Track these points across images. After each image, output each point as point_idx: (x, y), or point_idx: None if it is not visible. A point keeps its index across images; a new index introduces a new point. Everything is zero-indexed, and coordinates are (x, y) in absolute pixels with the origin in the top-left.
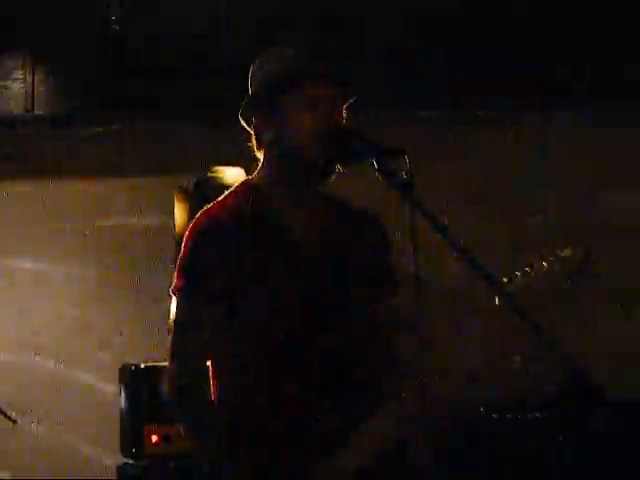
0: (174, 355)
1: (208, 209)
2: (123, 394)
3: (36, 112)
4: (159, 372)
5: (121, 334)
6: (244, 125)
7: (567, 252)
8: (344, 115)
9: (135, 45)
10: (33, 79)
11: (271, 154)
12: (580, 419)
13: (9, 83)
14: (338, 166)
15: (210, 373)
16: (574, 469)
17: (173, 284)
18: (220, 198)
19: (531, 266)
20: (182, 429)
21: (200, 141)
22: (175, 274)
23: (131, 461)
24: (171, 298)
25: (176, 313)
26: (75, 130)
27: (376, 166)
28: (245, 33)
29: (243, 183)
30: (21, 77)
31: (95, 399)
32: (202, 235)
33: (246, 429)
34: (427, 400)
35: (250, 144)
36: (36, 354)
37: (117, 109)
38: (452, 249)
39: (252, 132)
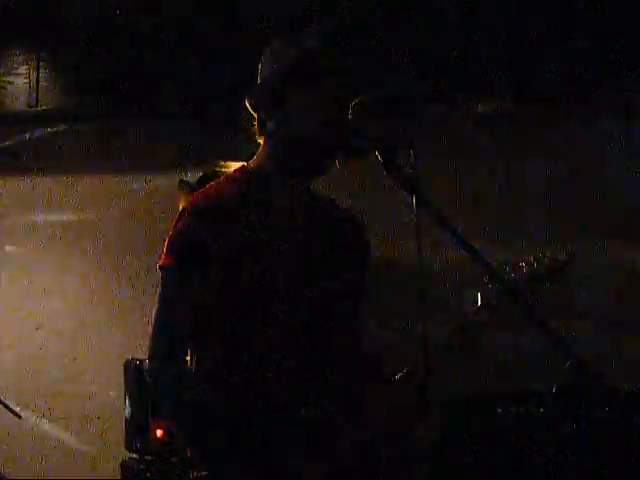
0: (158, 329)
1: (204, 191)
2: (127, 389)
3: (40, 108)
4: None
5: (125, 328)
6: (249, 109)
7: (547, 253)
8: (353, 108)
9: (138, 41)
10: (37, 75)
11: (273, 143)
12: (581, 411)
13: (13, 79)
14: (345, 159)
15: (199, 352)
16: (575, 463)
17: (162, 259)
18: (217, 181)
19: (514, 266)
20: (157, 394)
21: (203, 137)
22: (165, 249)
23: (136, 456)
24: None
25: (164, 289)
26: (79, 126)
27: (381, 160)
28: (250, 31)
29: (241, 169)
30: (25, 73)
31: (99, 395)
32: (197, 215)
33: (243, 407)
34: (430, 395)
35: (253, 128)
36: (40, 348)
37: (120, 105)
38: (458, 245)
39: (256, 117)
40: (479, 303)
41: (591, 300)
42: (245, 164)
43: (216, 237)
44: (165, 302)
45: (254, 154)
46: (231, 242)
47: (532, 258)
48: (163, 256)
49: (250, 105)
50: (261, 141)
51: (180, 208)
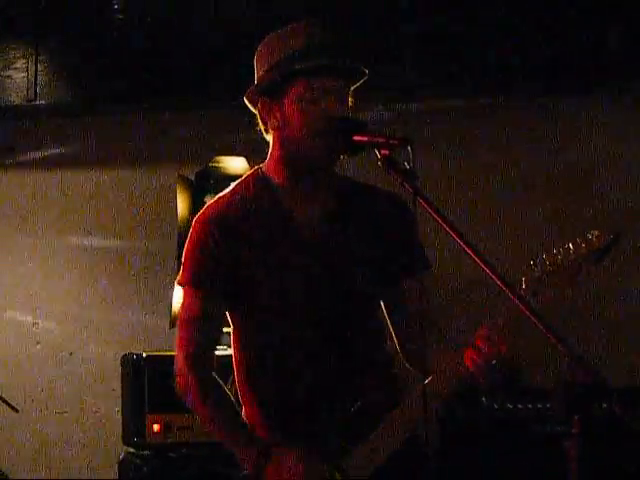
0: (181, 348)
1: (216, 200)
2: (125, 383)
3: (38, 102)
4: (161, 361)
5: (123, 323)
6: (250, 107)
7: (595, 233)
8: (350, 104)
9: (137, 35)
10: (36, 69)
11: (277, 144)
12: (584, 409)
13: (11, 73)
14: (343, 156)
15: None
16: (575, 460)
17: (180, 275)
18: (229, 188)
19: (559, 249)
20: (205, 417)
21: (202, 131)
22: (182, 265)
23: (133, 450)
24: (176, 287)
25: (184, 306)
26: (77, 120)
27: (379, 156)
28: (248, 22)
29: (252, 173)
30: (23, 67)
31: (97, 388)
32: (208, 230)
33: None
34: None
35: (258, 127)
36: (37, 342)
37: (120, 98)
38: (457, 240)
39: (258, 115)
40: (523, 287)
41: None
42: (258, 167)
43: (229, 249)
44: (187, 319)
45: (254, 147)
46: (244, 254)
47: (578, 240)
48: (181, 272)
49: (251, 103)
50: (269, 138)
51: (177, 202)
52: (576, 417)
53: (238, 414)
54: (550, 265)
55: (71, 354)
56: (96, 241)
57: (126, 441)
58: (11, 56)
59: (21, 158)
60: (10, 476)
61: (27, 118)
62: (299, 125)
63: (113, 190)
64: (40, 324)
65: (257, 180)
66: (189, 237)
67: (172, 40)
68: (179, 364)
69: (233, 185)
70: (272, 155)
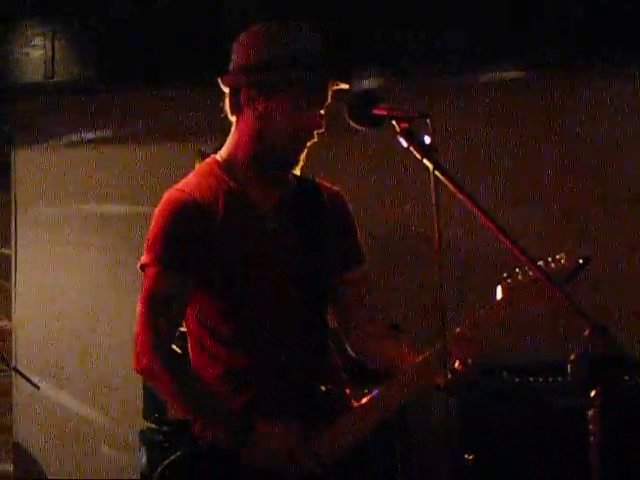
0: (150, 329)
1: (183, 185)
2: None
3: (56, 79)
4: (183, 337)
5: None
6: (222, 86)
7: (562, 256)
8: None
9: (155, 11)
10: (53, 46)
11: (248, 133)
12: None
13: (29, 50)
14: (361, 127)
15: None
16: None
17: (148, 256)
18: (190, 176)
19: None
20: (176, 395)
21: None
22: (148, 247)
23: (154, 426)
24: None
25: (153, 286)
26: (95, 96)
27: (397, 129)
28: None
29: (212, 160)
30: (41, 44)
31: (118, 366)
32: (178, 211)
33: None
34: (449, 364)
35: (224, 105)
36: (58, 320)
37: (136, 75)
38: (475, 212)
39: (229, 95)
40: (499, 297)
41: None
42: (215, 156)
43: (198, 231)
44: (154, 299)
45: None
46: (212, 240)
47: (549, 259)
48: (144, 255)
49: (226, 83)
50: (233, 119)
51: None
52: (597, 389)
53: (212, 388)
54: (523, 278)
55: (93, 330)
56: (117, 215)
57: (147, 417)
58: (28, 33)
59: (40, 135)
60: (32, 453)
61: (45, 95)
62: (280, 127)
63: (133, 164)
64: (62, 301)
65: (219, 166)
66: (158, 219)
67: (194, 17)
68: (145, 345)
69: (195, 171)
70: (237, 141)
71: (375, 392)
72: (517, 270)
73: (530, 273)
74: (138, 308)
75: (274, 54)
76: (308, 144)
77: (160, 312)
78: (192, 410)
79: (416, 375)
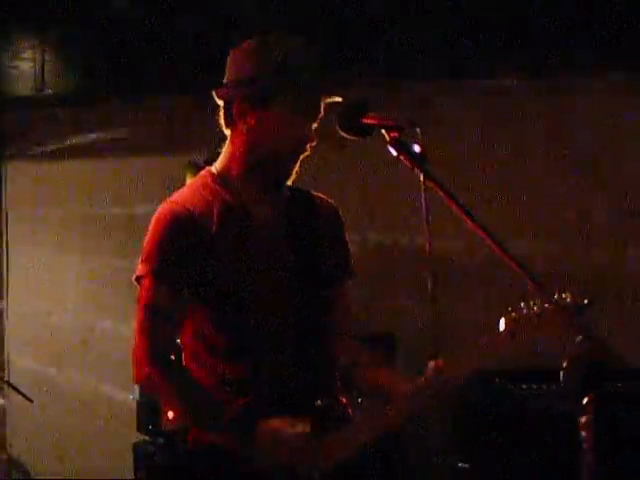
0: (148, 340)
1: (177, 197)
2: None
3: (46, 92)
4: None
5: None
6: (216, 99)
7: (568, 295)
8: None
9: (146, 23)
10: (43, 59)
11: (241, 145)
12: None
13: (19, 63)
14: (351, 137)
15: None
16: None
17: (143, 268)
18: (187, 187)
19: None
20: (173, 400)
21: (212, 117)
22: (143, 259)
23: (147, 438)
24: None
25: (147, 298)
26: (84, 109)
27: (387, 138)
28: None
29: (206, 172)
30: (30, 57)
31: (111, 376)
32: (171, 224)
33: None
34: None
35: (218, 119)
36: (51, 332)
37: (126, 87)
38: (467, 220)
39: (223, 108)
40: (501, 328)
41: None
42: (210, 168)
43: (194, 242)
44: (151, 309)
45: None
46: (206, 252)
47: (555, 296)
48: (140, 266)
49: (220, 97)
50: (227, 132)
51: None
52: (590, 396)
53: (210, 394)
54: (527, 312)
55: (85, 342)
56: (107, 227)
57: (141, 428)
58: (18, 46)
59: (30, 147)
60: (26, 465)
61: (36, 108)
62: (272, 141)
63: (124, 176)
64: (55, 312)
65: (213, 179)
66: (153, 231)
67: (186, 28)
68: (145, 357)
69: (190, 183)
70: (231, 154)
71: (373, 410)
72: (522, 304)
73: (535, 308)
74: (135, 321)
75: (264, 69)
76: (301, 157)
77: (157, 324)
78: (193, 417)
79: (413, 400)
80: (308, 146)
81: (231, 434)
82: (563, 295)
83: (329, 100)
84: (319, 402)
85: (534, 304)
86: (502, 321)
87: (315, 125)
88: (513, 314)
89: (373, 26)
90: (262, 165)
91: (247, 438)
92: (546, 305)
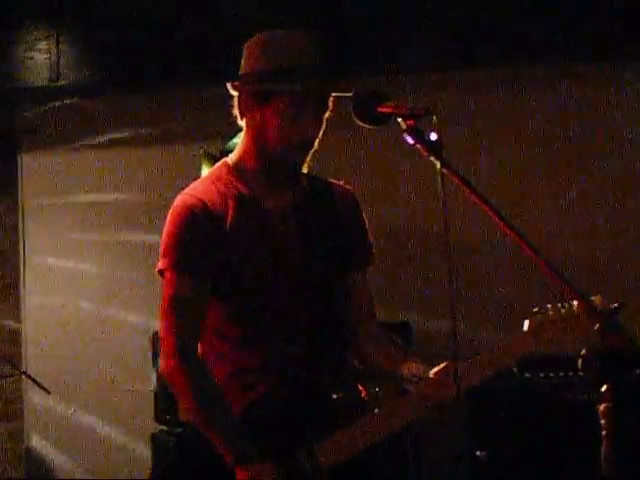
0: (174, 332)
1: (193, 190)
2: (156, 361)
3: (61, 83)
4: None
5: (150, 303)
6: (230, 90)
7: (598, 298)
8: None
9: (160, 13)
10: (58, 50)
11: (253, 137)
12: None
13: (34, 54)
14: (367, 125)
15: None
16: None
17: (165, 261)
18: (203, 179)
19: (563, 303)
20: (189, 397)
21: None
22: (163, 252)
23: (165, 427)
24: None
25: (174, 291)
26: (100, 100)
27: (403, 126)
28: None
29: (223, 164)
30: (46, 48)
31: (129, 367)
32: (187, 216)
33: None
34: (459, 358)
35: (234, 110)
36: (68, 323)
37: (142, 78)
38: (484, 209)
39: (237, 99)
40: (525, 329)
41: None
42: (226, 160)
43: (213, 234)
44: (177, 303)
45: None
46: (222, 243)
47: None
48: (161, 260)
49: (234, 88)
50: (242, 124)
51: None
52: (608, 384)
53: (228, 408)
54: (552, 315)
55: (102, 333)
56: (123, 218)
57: (158, 419)
58: (33, 38)
59: (45, 138)
60: (42, 458)
61: (51, 99)
62: (275, 135)
63: (140, 168)
64: (70, 305)
65: (229, 170)
66: (171, 224)
67: (200, 19)
68: (171, 349)
69: (206, 176)
70: (245, 146)
71: (387, 406)
72: (549, 306)
73: (562, 311)
74: (161, 312)
75: (265, 66)
76: (310, 151)
77: (182, 315)
78: (201, 421)
79: (428, 394)
80: (314, 140)
81: (223, 445)
82: (592, 298)
83: (339, 95)
84: (335, 396)
85: (561, 306)
86: (526, 322)
87: (327, 115)
88: (538, 316)
89: (373, 25)
90: (271, 158)
91: (233, 456)
92: (574, 309)
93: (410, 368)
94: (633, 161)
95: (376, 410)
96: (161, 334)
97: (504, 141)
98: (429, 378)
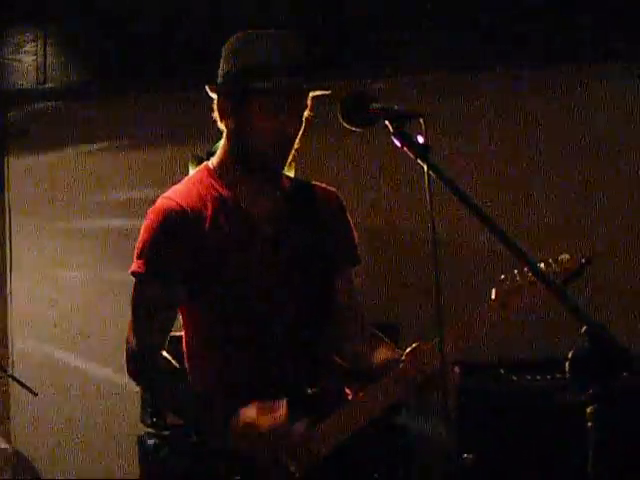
0: (137, 336)
1: (173, 193)
2: None
3: (48, 85)
4: (180, 342)
5: None
6: (209, 93)
7: (566, 257)
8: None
9: (147, 15)
10: (45, 52)
11: (233, 139)
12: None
13: (21, 57)
14: (354, 128)
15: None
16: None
17: (137, 264)
18: (184, 182)
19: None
20: (164, 399)
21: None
22: (137, 255)
23: (152, 430)
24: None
25: (138, 295)
26: (87, 102)
27: (391, 129)
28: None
29: (204, 167)
30: (32, 50)
31: (116, 369)
32: (164, 220)
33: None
34: (446, 363)
35: (213, 114)
36: (55, 324)
37: (129, 80)
38: (470, 212)
39: (216, 102)
40: (492, 298)
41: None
42: (207, 163)
43: (189, 239)
44: (140, 308)
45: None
46: (201, 248)
47: (550, 260)
48: (134, 262)
49: (211, 90)
50: (222, 127)
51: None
52: (595, 386)
53: (194, 390)
54: (519, 280)
55: (88, 337)
56: (109, 221)
57: (145, 422)
58: (20, 40)
59: (32, 141)
60: (29, 457)
61: (37, 101)
62: (252, 135)
63: (126, 170)
64: (58, 305)
65: (210, 173)
66: (147, 227)
67: (189, 22)
68: (132, 351)
69: (187, 179)
70: (225, 148)
71: (366, 389)
72: (515, 272)
73: (529, 275)
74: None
75: (236, 67)
76: (291, 150)
77: (146, 319)
78: (178, 414)
79: (406, 368)
80: (292, 138)
81: (211, 426)
82: (560, 257)
83: (316, 94)
84: (309, 391)
85: (528, 271)
86: (493, 291)
87: (306, 114)
88: (506, 283)
89: (373, 25)
90: (251, 159)
91: (224, 430)
92: (539, 271)
93: (383, 353)
94: None
95: (352, 397)
96: (126, 337)
97: (504, 141)
98: (402, 360)
